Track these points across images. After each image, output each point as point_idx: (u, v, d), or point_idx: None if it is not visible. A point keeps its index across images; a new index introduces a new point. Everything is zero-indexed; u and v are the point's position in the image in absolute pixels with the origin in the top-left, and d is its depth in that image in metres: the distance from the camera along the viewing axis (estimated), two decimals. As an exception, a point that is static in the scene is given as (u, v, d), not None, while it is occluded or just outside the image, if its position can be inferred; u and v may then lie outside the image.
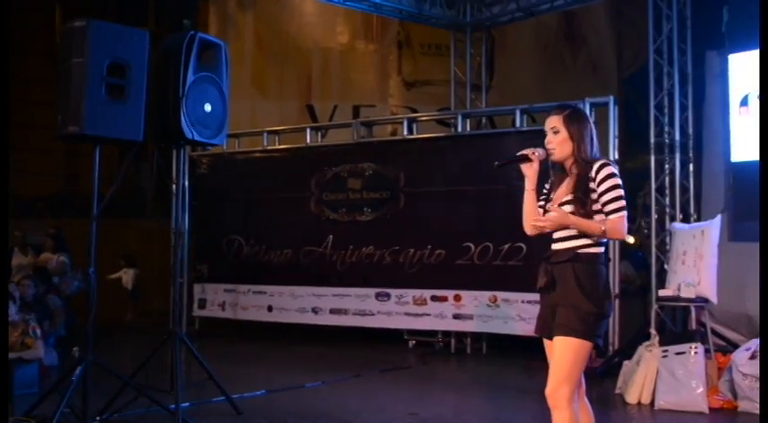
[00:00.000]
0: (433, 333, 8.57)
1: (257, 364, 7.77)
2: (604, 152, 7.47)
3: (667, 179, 7.61)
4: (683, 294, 6.24)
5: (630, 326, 7.33)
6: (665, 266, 7.01)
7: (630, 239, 10.88)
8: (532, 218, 3.27)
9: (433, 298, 8.29)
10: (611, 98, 7.49)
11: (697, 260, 6.22)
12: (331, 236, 9.07)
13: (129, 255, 11.67)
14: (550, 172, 3.37)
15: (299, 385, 6.43)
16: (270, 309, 9.36)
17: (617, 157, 7.47)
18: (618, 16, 13.63)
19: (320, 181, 9.25)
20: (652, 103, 7.66)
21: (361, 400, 5.98)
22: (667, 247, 7.10)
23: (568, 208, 3.18)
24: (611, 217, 3.14)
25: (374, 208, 8.87)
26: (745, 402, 5.54)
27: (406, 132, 8.90)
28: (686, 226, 6.84)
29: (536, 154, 3.30)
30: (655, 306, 6.58)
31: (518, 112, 7.98)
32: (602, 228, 3.12)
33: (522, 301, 7.63)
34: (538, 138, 8.21)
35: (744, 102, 6.69)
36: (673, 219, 7.43)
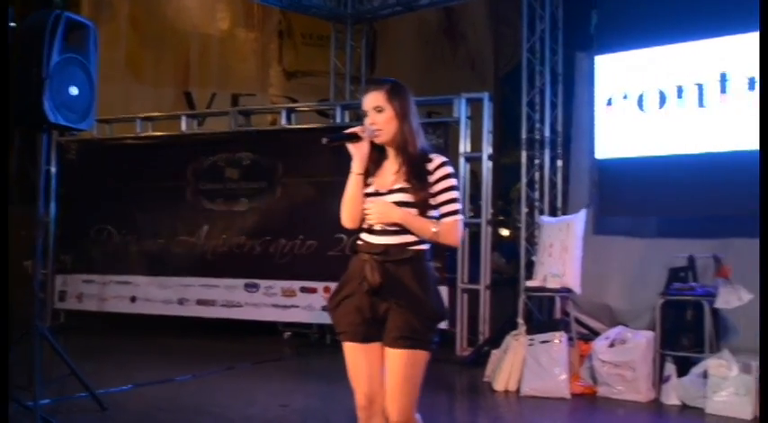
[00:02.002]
0: (308, 325, 8.55)
1: (125, 358, 7.50)
2: (479, 147, 7.69)
3: (537, 174, 7.88)
4: (549, 285, 6.48)
5: (501, 316, 7.55)
6: (534, 258, 7.26)
7: (505, 232, 11.23)
8: (362, 207, 2.88)
9: (303, 289, 8.24)
10: (486, 94, 7.69)
11: (562, 252, 6.47)
12: (206, 226, 8.89)
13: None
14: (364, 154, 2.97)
15: (168, 379, 6.27)
16: (133, 299, 9.08)
17: (491, 151, 7.67)
18: (496, 15, 14.00)
19: (197, 170, 9.05)
20: (524, 101, 7.90)
21: (233, 393, 5.90)
22: (536, 240, 7.35)
23: (400, 197, 2.83)
24: (447, 220, 2.85)
25: (251, 198, 8.76)
26: (603, 388, 5.82)
27: (284, 122, 8.84)
28: (553, 219, 7.10)
29: (366, 133, 2.89)
30: (522, 296, 6.79)
31: (396, 105, 8.04)
32: (434, 229, 2.82)
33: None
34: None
35: (609, 102, 6.99)
36: (542, 212, 7.70)
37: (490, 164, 7.69)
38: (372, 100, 2.90)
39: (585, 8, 7.67)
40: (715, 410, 5.21)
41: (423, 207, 2.83)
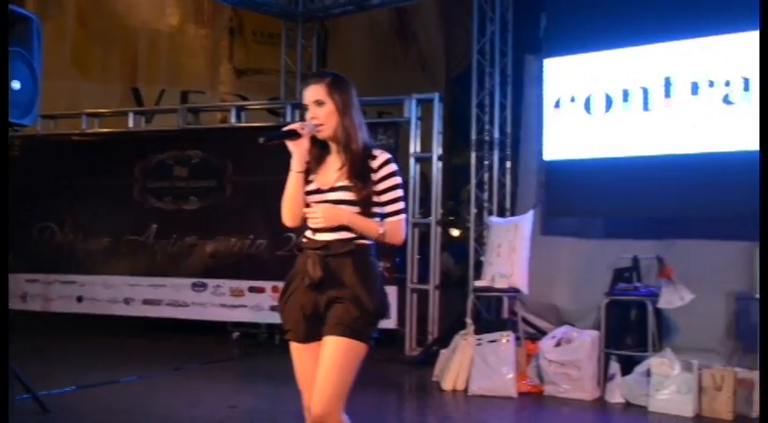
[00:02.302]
0: (256, 325, 8.49)
1: (69, 358, 7.35)
2: (429, 148, 7.72)
3: (486, 175, 7.95)
4: (497, 285, 6.54)
5: (450, 316, 7.60)
6: (482, 258, 7.32)
7: (456, 232, 11.29)
8: (306, 212, 2.82)
9: (251, 289, 8.17)
10: (436, 95, 7.74)
11: (510, 253, 6.54)
12: (155, 225, 8.77)
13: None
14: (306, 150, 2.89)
15: (113, 380, 6.16)
16: (80, 299, 8.91)
17: (441, 152, 7.71)
18: (447, 16, 14.06)
19: (144, 168, 8.92)
20: (474, 102, 7.97)
21: (180, 394, 5.83)
22: (485, 241, 7.42)
23: (341, 195, 2.78)
24: (391, 219, 2.81)
25: (201, 197, 8.66)
26: (550, 386, 5.90)
27: (234, 120, 8.76)
28: (501, 220, 7.17)
29: (305, 129, 2.81)
30: (471, 296, 6.84)
31: (347, 105, 8.03)
32: (380, 230, 2.78)
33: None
34: (370, 130, 8.30)
35: (557, 104, 7.08)
36: (491, 213, 7.77)
37: (440, 164, 7.74)
38: (313, 93, 2.82)
39: (535, 11, 7.75)
40: (657, 408, 5.32)
41: (365, 205, 2.78)
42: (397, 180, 2.83)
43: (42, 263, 9.10)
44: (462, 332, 6.35)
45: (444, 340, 6.82)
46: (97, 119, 9.35)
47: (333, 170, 2.84)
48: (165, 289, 8.55)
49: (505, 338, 6.00)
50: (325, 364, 2.69)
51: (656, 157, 6.46)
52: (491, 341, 6.03)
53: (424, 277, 7.71)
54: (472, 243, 7.83)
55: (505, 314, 7.18)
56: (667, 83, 6.44)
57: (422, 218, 7.82)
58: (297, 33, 9.84)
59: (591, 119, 6.86)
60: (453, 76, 13.82)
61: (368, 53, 13.28)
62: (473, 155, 7.94)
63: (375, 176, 2.80)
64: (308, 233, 2.87)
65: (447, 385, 6.11)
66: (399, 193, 2.84)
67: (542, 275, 7.06)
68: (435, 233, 7.69)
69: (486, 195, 7.93)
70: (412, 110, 7.74)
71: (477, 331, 6.24)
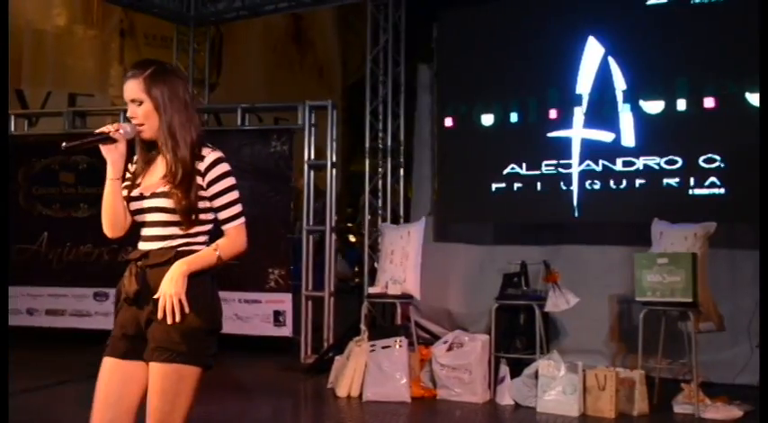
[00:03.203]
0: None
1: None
2: (323, 155, 7.71)
3: (380, 182, 8.02)
4: (391, 291, 6.58)
5: (345, 322, 7.60)
6: (376, 265, 7.37)
7: (353, 238, 11.34)
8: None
9: None
10: (330, 102, 7.73)
11: (403, 259, 6.60)
12: (46, 233, 8.45)
13: None
14: (136, 151, 2.63)
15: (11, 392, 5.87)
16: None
17: (335, 159, 7.71)
18: (344, 24, 14.13)
19: (28, 173, 8.57)
20: (368, 110, 8.03)
21: (76, 407, 5.60)
22: (379, 247, 7.47)
23: (159, 202, 2.49)
24: (228, 225, 2.53)
25: (91, 203, 8.37)
26: (443, 390, 5.97)
27: (124, 125, 8.51)
28: (394, 226, 7.24)
29: (121, 131, 2.51)
30: (365, 302, 6.87)
31: (239, 111, 7.96)
32: (217, 253, 2.49)
33: (239, 300, 7.61)
34: (259, 138, 8.19)
35: (449, 113, 7.21)
36: (385, 220, 7.84)
37: (334, 172, 7.73)
38: (129, 91, 2.49)
39: (427, 21, 7.88)
40: (545, 409, 5.47)
41: (186, 214, 2.47)
42: (230, 181, 2.53)
43: None
44: (356, 339, 6.36)
45: (339, 347, 6.82)
46: (-24, 122, 8.89)
47: (158, 174, 2.54)
48: (67, 299, 8.32)
49: (399, 344, 6.04)
50: (151, 396, 2.41)
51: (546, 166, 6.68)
52: (384, 347, 6.06)
53: (319, 284, 7.68)
54: (366, 249, 7.87)
55: (399, 320, 7.24)
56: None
57: (316, 225, 7.79)
58: (189, 37, 9.65)
59: (481, 129, 7.02)
60: (350, 82, 13.89)
61: (264, 58, 13.19)
62: (367, 162, 7.99)
63: (203, 180, 2.50)
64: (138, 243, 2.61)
65: (342, 392, 6.10)
66: (234, 195, 2.54)
67: (436, 281, 7.18)
68: (330, 240, 7.67)
69: (380, 202, 8.00)
70: (306, 117, 7.71)
71: (372, 337, 6.25)
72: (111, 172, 2.57)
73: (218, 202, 2.52)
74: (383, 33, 8.02)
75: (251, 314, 7.57)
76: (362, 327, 6.56)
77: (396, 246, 6.70)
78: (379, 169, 8.02)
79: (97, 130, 2.55)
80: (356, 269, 9.23)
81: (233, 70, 12.32)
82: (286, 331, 7.56)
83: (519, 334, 6.18)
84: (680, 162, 6.20)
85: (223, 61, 12.05)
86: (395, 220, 7.84)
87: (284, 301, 7.53)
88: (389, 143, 7.99)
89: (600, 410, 5.31)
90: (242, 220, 2.56)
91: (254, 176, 7.52)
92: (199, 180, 2.49)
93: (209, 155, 2.52)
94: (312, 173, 7.83)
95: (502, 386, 5.83)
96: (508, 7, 7.03)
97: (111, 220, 2.64)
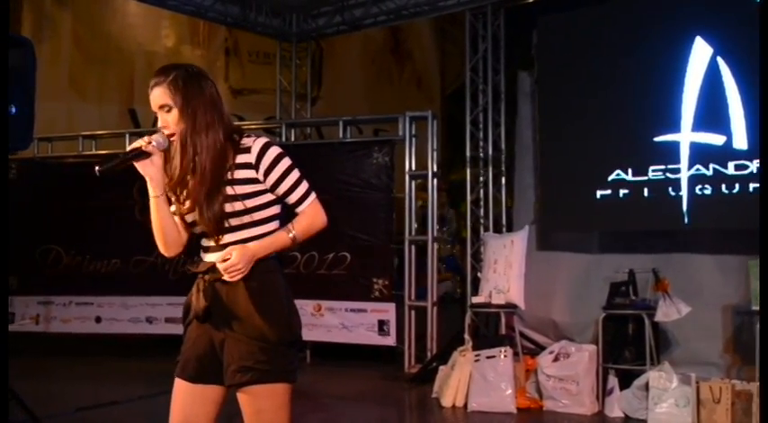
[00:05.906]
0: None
1: (70, 380, 7.33)
2: (424, 165, 7.73)
3: (482, 191, 7.98)
4: (494, 301, 6.56)
5: (448, 332, 7.60)
6: (479, 274, 7.34)
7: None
8: (221, 266, 2.33)
9: None
10: (429, 113, 7.74)
11: (507, 268, 6.56)
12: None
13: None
14: (173, 159, 2.51)
15: (112, 402, 6.15)
16: (98, 320, 8.92)
17: (436, 169, 7.72)
18: (442, 34, 14.18)
19: (143, 188, 8.92)
20: (468, 119, 8.02)
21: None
22: (481, 256, 7.44)
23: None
24: (302, 206, 2.40)
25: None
26: (549, 402, 5.90)
27: (230, 140, 8.77)
28: (497, 236, 7.20)
29: (153, 144, 2.40)
30: (468, 312, 6.85)
31: (341, 123, 8.10)
32: (291, 234, 2.36)
33: (346, 310, 7.73)
34: (361, 150, 8.31)
35: (551, 120, 7.12)
36: (487, 229, 7.80)
37: (435, 182, 7.75)
38: (156, 98, 2.41)
39: (527, 28, 7.82)
40: (656, 421, 5.32)
41: (214, 223, 2.37)
42: (286, 163, 2.39)
43: (50, 286, 9.10)
44: (460, 348, 6.36)
45: (443, 357, 6.82)
46: (94, 140, 9.37)
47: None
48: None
49: (503, 354, 6.00)
50: (248, 421, 2.35)
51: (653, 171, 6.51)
52: (489, 357, 6.03)
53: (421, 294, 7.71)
54: (469, 259, 7.85)
55: (503, 330, 7.18)
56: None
57: (418, 235, 7.81)
58: (291, 53, 9.89)
59: (586, 134, 6.90)
60: (448, 92, 13.92)
61: (363, 71, 13.38)
62: (468, 171, 7.97)
63: (258, 173, 2.37)
64: (201, 254, 2.49)
65: (446, 402, 6.10)
66: (295, 175, 2.40)
67: (540, 290, 7.08)
68: (432, 250, 7.68)
69: (481, 211, 7.96)
70: (406, 128, 7.77)
71: (475, 347, 6.24)
72: (153, 189, 2.46)
73: (281, 189, 2.38)
74: (482, 42, 8.00)
75: (356, 323, 7.67)
76: (466, 336, 6.55)
77: (499, 255, 6.66)
78: (481, 178, 7.99)
79: (129, 147, 2.45)
80: (458, 278, 9.20)
81: (333, 84, 12.56)
82: (390, 340, 7.60)
83: (627, 344, 6.01)
84: (797, 164, 5.92)
85: (323, 75, 12.30)
86: (497, 230, 7.79)
87: (388, 311, 7.59)
88: (490, 152, 7.96)
89: (715, 424, 5.13)
90: (313, 196, 2.43)
91: (357, 188, 7.67)
92: (251, 173, 2.36)
93: (255, 143, 2.38)
94: (413, 183, 7.87)
95: (611, 398, 5.71)
96: (609, 11, 6.89)
97: (164, 240, 2.50)
